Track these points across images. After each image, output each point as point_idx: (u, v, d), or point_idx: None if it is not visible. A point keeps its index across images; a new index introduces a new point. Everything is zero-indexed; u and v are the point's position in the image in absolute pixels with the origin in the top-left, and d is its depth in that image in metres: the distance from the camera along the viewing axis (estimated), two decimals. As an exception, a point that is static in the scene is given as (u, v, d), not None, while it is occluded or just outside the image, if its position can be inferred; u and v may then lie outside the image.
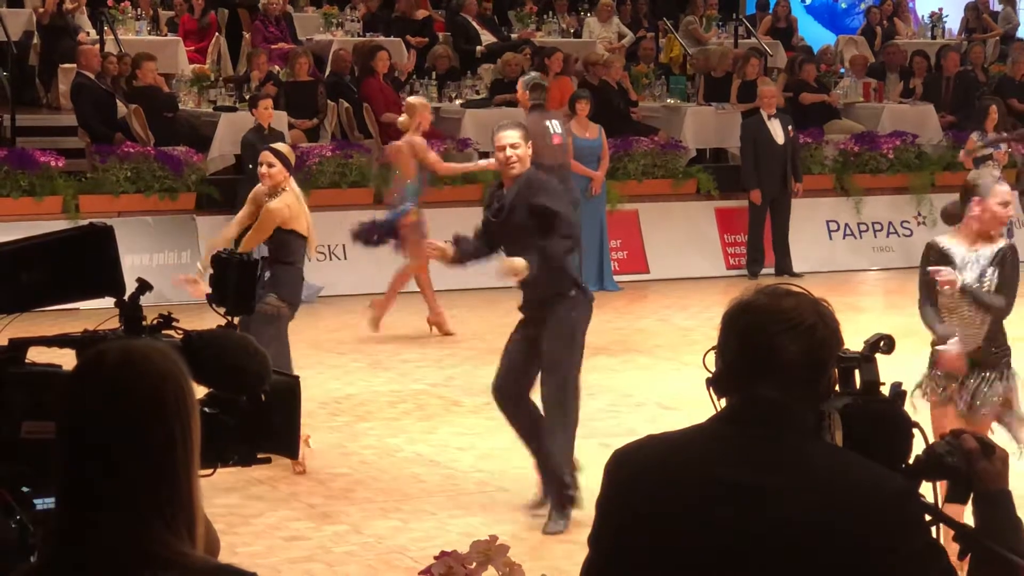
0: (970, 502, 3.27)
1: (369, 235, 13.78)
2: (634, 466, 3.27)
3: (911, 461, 3.25)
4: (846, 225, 18.70)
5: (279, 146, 10.52)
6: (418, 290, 14.40)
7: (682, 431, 3.28)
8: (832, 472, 3.10)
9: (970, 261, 7.88)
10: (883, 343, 3.34)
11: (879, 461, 3.15)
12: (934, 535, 3.15)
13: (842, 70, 21.96)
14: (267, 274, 10.22)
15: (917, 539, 3.07)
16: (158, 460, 2.75)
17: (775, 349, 3.14)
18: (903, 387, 3.36)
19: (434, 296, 14.29)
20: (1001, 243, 7.90)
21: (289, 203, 10.01)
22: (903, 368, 3.38)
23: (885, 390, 3.32)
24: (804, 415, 3.17)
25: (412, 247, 13.55)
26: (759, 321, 3.18)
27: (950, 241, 7.97)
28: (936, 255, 7.98)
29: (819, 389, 3.19)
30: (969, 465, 3.21)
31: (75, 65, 17.42)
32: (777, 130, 17.38)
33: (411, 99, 14.71)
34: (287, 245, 10.02)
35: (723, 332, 3.22)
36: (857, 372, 3.31)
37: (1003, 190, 7.87)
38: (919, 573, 3.06)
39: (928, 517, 3.16)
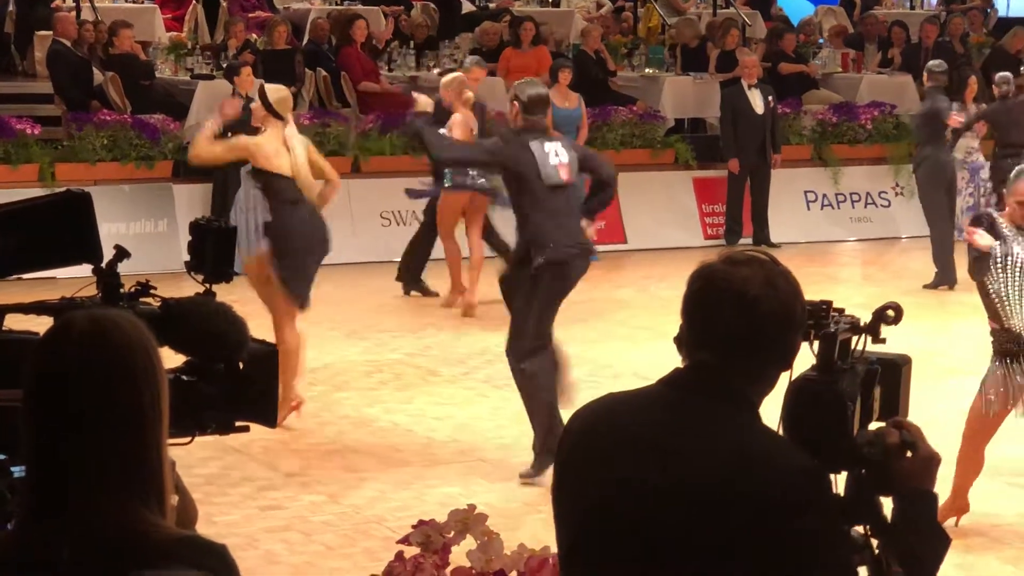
0: None
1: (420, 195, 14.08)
2: (581, 424, 3.35)
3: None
4: (824, 195, 18.71)
5: (269, 87, 10.59)
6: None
7: (634, 391, 3.35)
8: (739, 443, 3.12)
9: (1018, 242, 8.11)
10: (891, 312, 3.31)
11: (806, 440, 3.17)
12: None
13: (821, 40, 21.94)
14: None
15: (811, 519, 3.06)
16: (127, 429, 2.74)
17: (715, 317, 3.19)
18: (887, 365, 3.35)
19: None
20: None
21: (259, 141, 10.18)
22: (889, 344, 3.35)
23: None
24: (740, 384, 3.18)
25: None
26: (706, 287, 3.21)
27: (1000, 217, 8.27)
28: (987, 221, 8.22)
29: (762, 361, 3.19)
30: (886, 459, 3.22)
31: (51, 32, 17.34)
32: (757, 100, 17.38)
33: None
34: (269, 187, 10.18)
35: (684, 294, 3.28)
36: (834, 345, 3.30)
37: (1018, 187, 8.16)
38: (809, 553, 3.05)
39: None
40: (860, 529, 3.23)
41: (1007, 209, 8.27)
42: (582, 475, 3.27)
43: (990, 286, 8.09)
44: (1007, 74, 16.44)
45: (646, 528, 3.13)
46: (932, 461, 3.25)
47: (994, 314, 8.15)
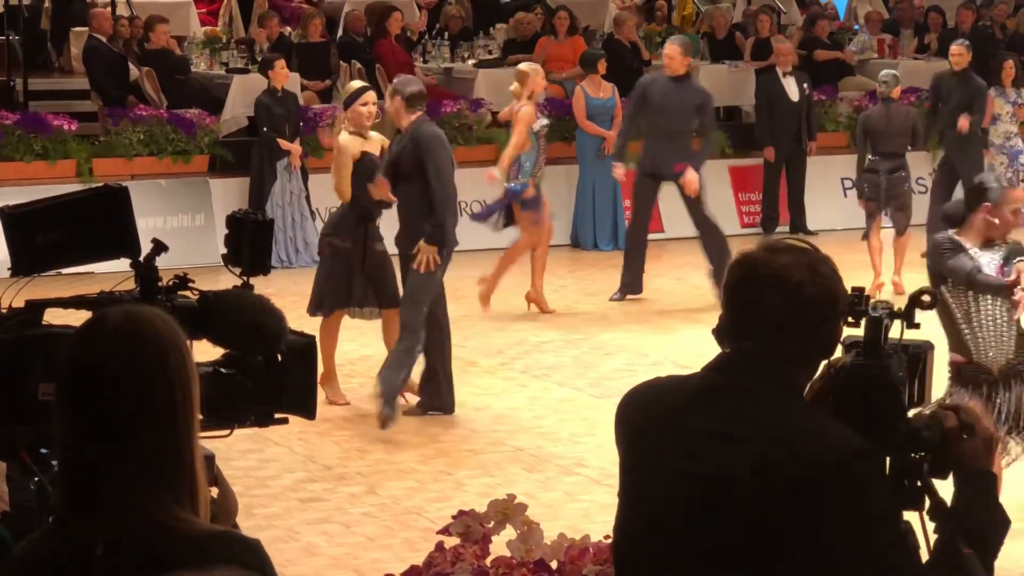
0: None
1: (488, 217, 13.29)
2: (631, 408, 3.37)
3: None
4: (861, 182, 18.59)
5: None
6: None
7: (681, 377, 3.35)
8: (788, 428, 3.12)
9: (985, 260, 7.58)
10: (925, 298, 3.29)
11: (858, 424, 3.15)
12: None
13: (856, 26, 21.85)
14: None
15: (869, 498, 3.07)
16: (159, 425, 2.74)
17: (760, 304, 3.18)
18: (924, 349, 3.33)
19: (542, 274, 13.68)
20: (1009, 243, 7.65)
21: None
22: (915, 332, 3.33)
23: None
24: (785, 371, 3.19)
25: (526, 222, 13.16)
26: (749, 275, 3.21)
27: (962, 238, 7.64)
28: (953, 245, 7.59)
29: (808, 346, 3.20)
30: (946, 442, 3.21)
31: (87, 28, 17.40)
32: (792, 88, 17.31)
33: (522, 65, 13.80)
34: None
35: (724, 283, 3.28)
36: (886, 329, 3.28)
37: (1015, 195, 7.68)
38: (859, 537, 3.05)
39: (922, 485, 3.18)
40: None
41: (978, 225, 7.61)
42: (642, 465, 3.29)
43: (957, 311, 7.62)
44: (891, 72, 15.11)
45: (704, 517, 3.13)
46: (990, 442, 3.25)
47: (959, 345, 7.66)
